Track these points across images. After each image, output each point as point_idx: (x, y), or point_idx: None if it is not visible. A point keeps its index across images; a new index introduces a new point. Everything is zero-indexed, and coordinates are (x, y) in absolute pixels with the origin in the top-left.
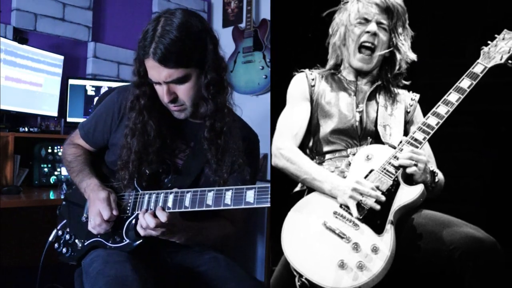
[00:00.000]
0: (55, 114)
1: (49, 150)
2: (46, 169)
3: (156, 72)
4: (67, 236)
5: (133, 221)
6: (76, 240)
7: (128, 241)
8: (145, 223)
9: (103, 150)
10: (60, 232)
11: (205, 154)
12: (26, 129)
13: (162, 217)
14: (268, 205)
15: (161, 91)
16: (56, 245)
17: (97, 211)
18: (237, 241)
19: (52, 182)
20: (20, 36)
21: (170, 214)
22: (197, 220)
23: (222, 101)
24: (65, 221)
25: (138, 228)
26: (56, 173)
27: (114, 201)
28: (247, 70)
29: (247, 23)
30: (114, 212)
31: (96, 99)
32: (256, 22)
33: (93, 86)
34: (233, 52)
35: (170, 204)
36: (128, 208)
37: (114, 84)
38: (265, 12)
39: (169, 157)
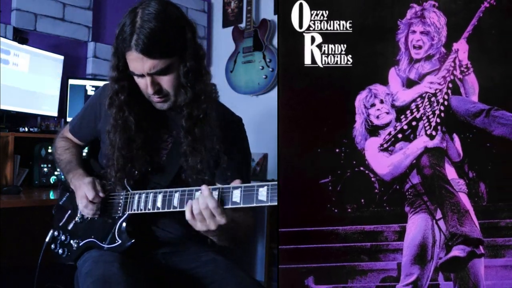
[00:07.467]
0: (55, 114)
1: (49, 150)
2: (46, 169)
3: (140, 64)
4: (63, 237)
5: (124, 222)
6: (72, 241)
7: (120, 241)
8: (197, 206)
9: (97, 149)
10: (56, 233)
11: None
12: (26, 129)
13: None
14: (254, 204)
15: (144, 83)
16: (52, 245)
17: (83, 194)
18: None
19: (52, 182)
20: (20, 36)
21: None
22: None
23: (200, 89)
24: (69, 212)
25: (187, 213)
26: (56, 173)
27: (99, 184)
28: (247, 70)
29: (247, 23)
30: (101, 194)
31: None
32: (256, 22)
33: (93, 86)
34: (233, 52)
35: (159, 204)
36: (119, 208)
37: None
38: (265, 12)
39: (153, 151)
